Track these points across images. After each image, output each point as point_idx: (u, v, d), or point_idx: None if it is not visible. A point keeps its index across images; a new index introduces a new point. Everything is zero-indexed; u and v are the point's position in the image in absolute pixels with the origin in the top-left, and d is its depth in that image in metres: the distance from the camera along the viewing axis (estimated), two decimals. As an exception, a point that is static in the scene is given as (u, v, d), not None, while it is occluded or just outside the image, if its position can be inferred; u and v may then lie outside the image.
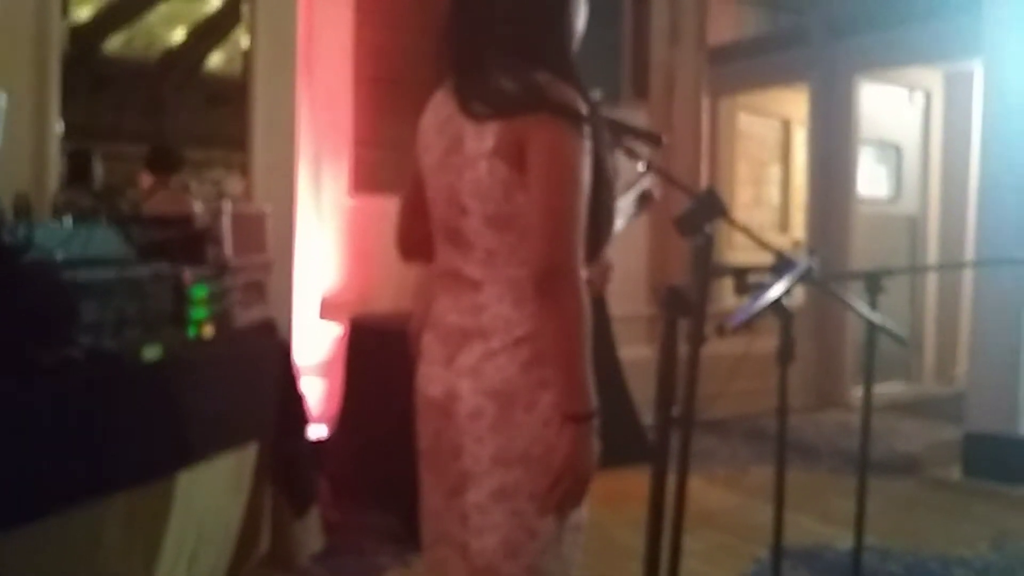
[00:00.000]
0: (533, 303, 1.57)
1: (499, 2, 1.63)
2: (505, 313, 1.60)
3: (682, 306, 1.47)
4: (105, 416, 2.03)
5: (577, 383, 1.53)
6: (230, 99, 4.36)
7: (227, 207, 2.99)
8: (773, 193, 8.07)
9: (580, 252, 1.53)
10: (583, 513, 1.65)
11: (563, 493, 1.55)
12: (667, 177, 2.02)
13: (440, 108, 1.70)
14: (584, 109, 1.56)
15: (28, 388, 1.88)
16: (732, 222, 1.76)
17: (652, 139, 2.06)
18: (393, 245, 1.87)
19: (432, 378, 1.69)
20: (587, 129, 1.54)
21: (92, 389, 2.02)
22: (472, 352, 1.61)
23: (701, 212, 1.46)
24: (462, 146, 1.62)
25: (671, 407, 1.52)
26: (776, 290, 2.02)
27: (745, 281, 2.37)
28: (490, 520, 1.57)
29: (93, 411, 2.00)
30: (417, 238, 1.79)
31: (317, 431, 4.23)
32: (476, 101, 1.59)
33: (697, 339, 1.46)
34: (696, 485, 4.69)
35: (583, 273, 1.54)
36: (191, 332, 2.47)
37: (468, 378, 1.60)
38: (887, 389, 6.98)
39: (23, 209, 2.08)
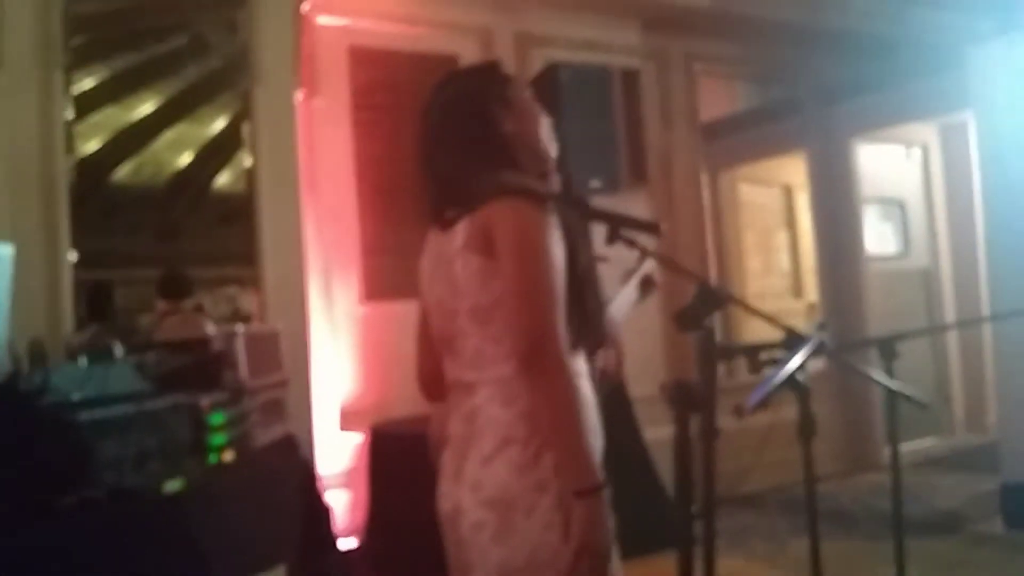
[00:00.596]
0: (520, 401, 1.58)
1: (450, 132, 1.78)
2: (495, 414, 1.62)
3: (691, 402, 1.47)
4: (129, 554, 2.02)
5: (578, 456, 1.54)
6: (240, 216, 4.43)
7: (240, 329, 3.01)
8: (783, 259, 8.09)
9: (561, 329, 1.56)
10: None
11: (584, 573, 1.53)
12: (667, 264, 2.05)
13: (431, 241, 1.82)
14: (544, 191, 1.65)
15: (50, 534, 1.88)
16: (738, 304, 1.78)
17: (651, 228, 2.09)
18: (408, 348, 1.92)
19: (443, 494, 1.72)
20: (550, 205, 1.59)
21: (114, 528, 2.01)
22: (472, 461, 1.64)
23: (700, 306, 1.47)
24: (443, 257, 1.71)
25: (691, 504, 1.51)
26: (788, 369, 2.02)
27: (758, 359, 2.37)
28: None
29: (117, 550, 1.99)
30: (437, 377, 1.83)
31: (346, 542, 4.20)
32: (447, 208, 1.70)
33: (710, 434, 1.47)
34: (736, 565, 4.62)
35: (573, 356, 1.57)
36: (211, 459, 2.47)
37: (469, 490, 1.62)
38: (919, 445, 6.87)
39: (38, 355, 2.11)
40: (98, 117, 4.38)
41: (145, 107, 4.65)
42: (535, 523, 1.56)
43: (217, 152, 4.68)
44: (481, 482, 1.60)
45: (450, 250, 1.67)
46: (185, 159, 4.73)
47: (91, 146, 4.28)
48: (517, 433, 1.59)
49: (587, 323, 1.66)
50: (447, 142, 1.77)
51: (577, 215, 1.76)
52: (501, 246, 1.59)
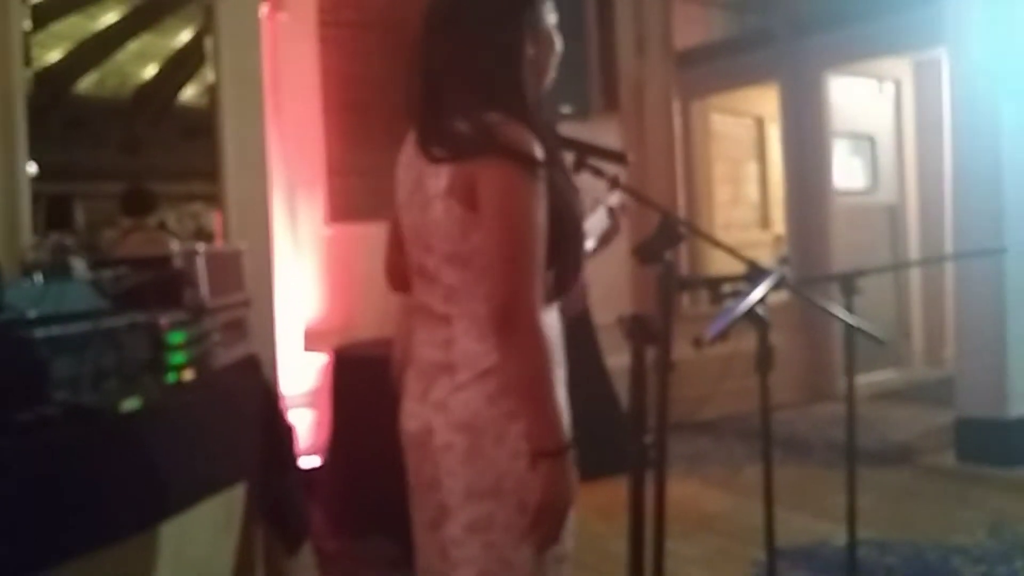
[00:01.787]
0: (495, 337, 1.58)
1: (456, 44, 1.64)
2: (471, 347, 1.61)
3: (648, 335, 1.47)
4: (84, 472, 2.01)
5: (546, 419, 1.54)
6: (205, 132, 4.36)
7: (201, 248, 2.98)
8: (752, 190, 8.11)
9: (538, 293, 1.53)
10: (567, 545, 1.65)
11: (543, 531, 1.55)
12: (633, 194, 2.04)
13: (409, 147, 1.74)
14: (538, 150, 1.56)
15: (5, 449, 1.87)
16: (703, 236, 1.77)
17: (617, 157, 2.08)
18: (373, 271, 1.89)
19: (410, 413, 1.72)
20: (541, 169, 1.54)
21: (70, 446, 2.00)
22: (443, 386, 1.63)
23: (660, 239, 1.46)
24: (423, 185, 1.65)
25: (644, 435, 1.52)
26: (748, 301, 2.03)
27: (720, 291, 2.38)
28: (466, 553, 1.59)
29: (72, 468, 1.98)
30: (403, 270, 1.81)
31: (308, 461, 4.23)
32: (432, 144, 1.62)
33: (665, 367, 1.47)
34: (692, 489, 4.72)
35: (544, 313, 1.55)
36: (170, 378, 2.46)
37: (439, 412, 1.62)
38: (877, 377, 7.00)
39: (-9, 270, 2.08)
40: (60, 26, 4.27)
41: (109, 16, 4.53)
42: (504, 450, 1.57)
43: (182, 65, 4.58)
44: (452, 406, 1.60)
45: (432, 187, 1.62)
46: (149, 71, 4.63)
47: (53, 56, 4.18)
48: (493, 366, 1.59)
49: (567, 275, 1.63)
50: (457, 50, 1.63)
51: (560, 154, 1.70)
52: (484, 208, 1.55)
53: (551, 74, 1.75)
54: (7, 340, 2.00)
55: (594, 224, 2.00)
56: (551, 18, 1.73)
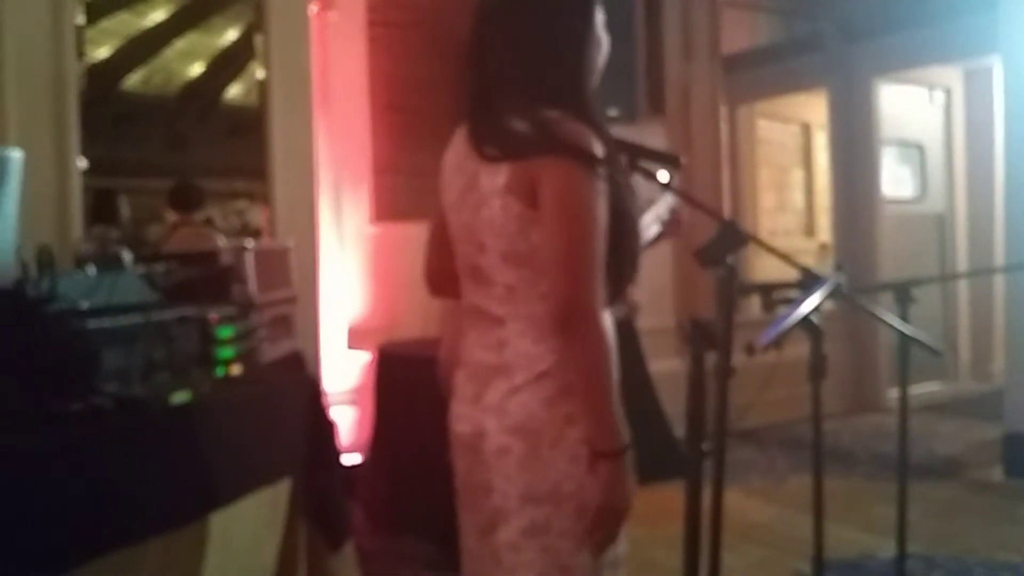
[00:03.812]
0: (554, 338, 1.56)
1: (511, 40, 1.62)
2: (527, 348, 1.60)
3: (708, 340, 1.45)
4: (135, 462, 2.03)
5: (605, 420, 1.52)
6: (251, 129, 4.39)
7: (250, 244, 2.99)
8: (797, 197, 8.03)
9: (599, 291, 1.51)
10: (621, 548, 1.64)
11: (603, 533, 1.54)
12: (687, 199, 2.01)
13: (459, 147, 1.71)
14: (598, 147, 1.54)
15: (57, 439, 1.88)
16: (758, 243, 1.75)
17: (670, 160, 2.04)
18: (417, 271, 1.87)
19: (461, 416, 1.69)
20: (601, 168, 1.52)
21: (121, 436, 2.01)
22: (497, 389, 1.61)
23: (722, 243, 1.44)
24: (477, 184, 1.62)
25: (702, 441, 1.50)
26: (804, 308, 2.00)
27: (772, 298, 2.35)
28: (523, 558, 1.56)
29: (123, 458, 2.00)
30: (445, 274, 1.79)
31: (350, 459, 4.24)
32: (488, 143, 1.59)
33: (725, 374, 1.45)
34: (734, 499, 4.65)
35: (606, 312, 1.53)
36: (219, 372, 2.47)
37: (493, 415, 1.60)
38: (923, 389, 6.89)
39: (46, 261, 2.09)
40: (110, 23, 4.32)
41: (157, 15, 4.58)
42: (561, 453, 1.55)
43: (228, 63, 4.62)
44: (508, 410, 1.58)
45: (488, 185, 1.59)
46: (196, 69, 4.67)
47: (102, 53, 4.23)
48: (550, 368, 1.57)
49: (625, 274, 1.61)
50: (515, 47, 1.61)
51: (623, 166, 1.67)
52: (545, 206, 1.53)
53: (598, 74, 1.73)
54: (61, 330, 2.02)
55: (646, 225, 1.97)
56: (600, 16, 1.71)
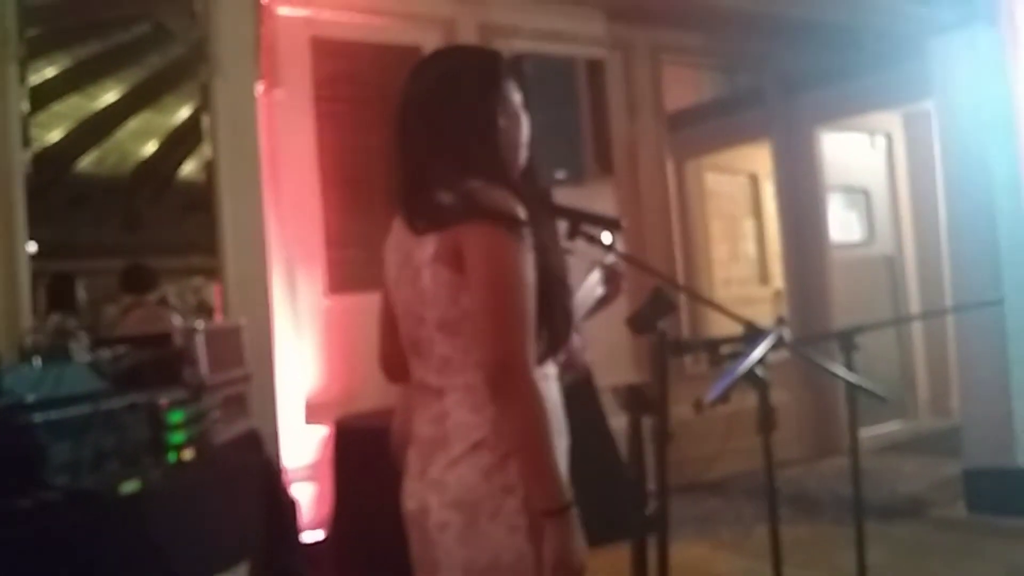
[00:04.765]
0: (491, 407, 1.58)
1: (431, 122, 1.70)
2: (464, 419, 1.62)
3: (643, 405, 1.47)
4: (87, 555, 2.01)
5: (546, 479, 1.54)
6: (206, 206, 4.39)
7: (200, 325, 2.99)
8: (749, 247, 8.14)
9: (530, 351, 1.54)
10: None
11: None
12: (629, 259, 2.05)
13: (397, 227, 1.76)
14: (519, 210, 1.59)
15: (6, 537, 1.86)
16: (700, 300, 1.78)
17: (611, 224, 2.09)
18: (373, 341, 1.89)
19: (409, 492, 1.71)
20: (524, 229, 1.57)
21: (71, 530, 1.99)
22: (437, 463, 1.63)
23: (653, 310, 1.47)
24: (411, 258, 1.67)
25: (645, 506, 1.51)
26: (746, 364, 2.03)
27: (718, 353, 2.38)
28: None
29: (74, 552, 1.98)
30: (397, 358, 1.81)
31: (312, 536, 4.19)
32: (417, 217, 1.65)
33: (663, 437, 1.47)
34: (702, 552, 4.66)
35: (541, 369, 1.56)
36: (171, 458, 2.46)
37: (435, 490, 1.61)
38: (884, 429, 6.97)
39: (-11, 357, 2.09)
40: (60, 107, 4.32)
41: (108, 96, 4.59)
42: (500, 525, 1.56)
43: (182, 141, 4.63)
44: (447, 483, 1.60)
45: (419, 257, 1.64)
46: (149, 148, 4.68)
47: (53, 136, 4.23)
48: (486, 437, 1.59)
49: (558, 333, 1.65)
50: (434, 128, 1.69)
51: (545, 215, 1.73)
52: (472, 269, 1.57)
53: (524, 149, 1.80)
54: (6, 426, 2.01)
55: (590, 286, 2.00)
56: (516, 96, 1.79)
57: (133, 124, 4.58)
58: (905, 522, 4.97)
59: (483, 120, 1.70)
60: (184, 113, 4.66)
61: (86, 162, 4.41)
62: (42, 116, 4.07)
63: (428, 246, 1.62)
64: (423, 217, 1.64)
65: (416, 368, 1.72)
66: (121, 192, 4.52)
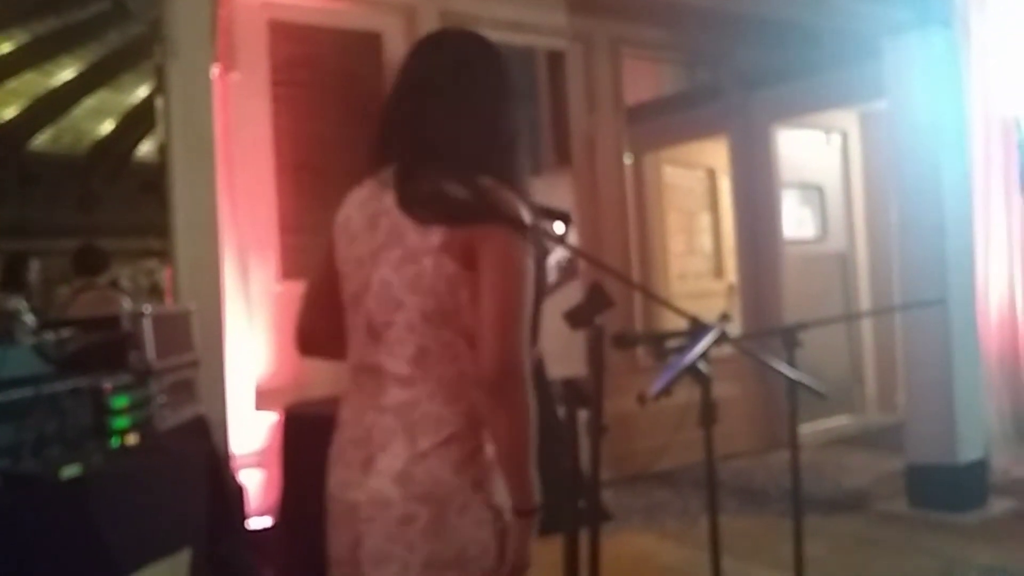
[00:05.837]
0: (463, 401, 1.59)
1: (447, 109, 1.67)
2: (435, 411, 1.60)
3: (580, 399, 1.50)
4: (26, 540, 2.00)
5: (528, 480, 1.58)
6: (162, 187, 4.34)
7: (147, 309, 2.97)
8: (705, 240, 8.22)
9: (527, 353, 1.56)
10: None
11: None
12: (579, 253, 2.08)
13: (368, 203, 1.70)
14: (527, 215, 1.60)
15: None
16: (645, 293, 1.81)
17: (562, 216, 2.11)
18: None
19: (349, 483, 1.65)
20: (530, 236, 1.58)
21: (10, 514, 1.98)
22: (396, 454, 1.59)
23: (590, 306, 1.50)
24: (402, 241, 1.63)
25: (578, 498, 1.55)
26: (689, 358, 2.07)
27: (663, 347, 2.42)
28: None
29: (13, 536, 1.97)
30: (323, 333, 1.79)
31: (260, 522, 4.18)
32: (420, 205, 1.61)
33: (597, 431, 1.50)
34: (649, 542, 4.71)
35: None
36: (113, 443, 2.45)
37: (396, 483, 1.58)
38: (831, 423, 7.10)
39: (-70, 339, 2.07)
40: (16, 83, 4.26)
41: (65, 73, 4.54)
42: (468, 519, 1.57)
43: (139, 120, 4.59)
44: (414, 476, 1.57)
45: (418, 243, 1.60)
46: (106, 127, 4.63)
47: (8, 113, 4.17)
48: (459, 431, 1.59)
49: (536, 331, 1.66)
50: (451, 114, 1.66)
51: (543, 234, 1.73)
52: (487, 272, 1.57)
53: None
54: (-56, 409, 1.99)
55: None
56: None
57: (90, 102, 4.54)
58: (848, 515, 5.07)
59: (501, 113, 1.70)
60: (142, 92, 4.62)
61: (41, 140, 4.36)
62: (-6, 94, 4.01)
63: (433, 236, 1.59)
64: (429, 207, 1.60)
65: (370, 352, 1.67)
66: (76, 171, 4.48)
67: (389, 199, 1.66)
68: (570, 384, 1.50)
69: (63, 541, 2.10)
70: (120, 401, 2.48)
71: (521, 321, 1.55)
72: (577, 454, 1.55)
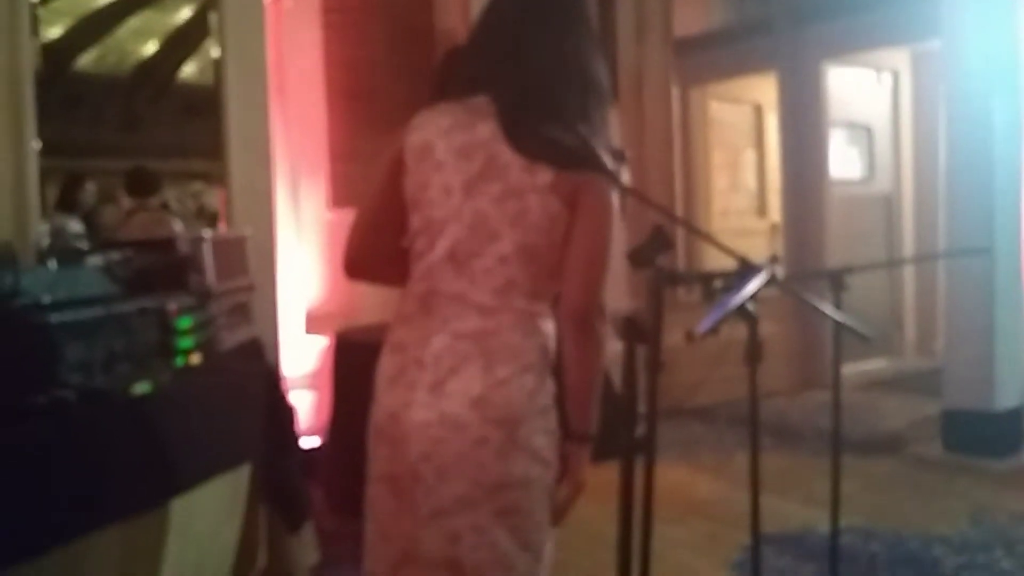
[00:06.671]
0: (539, 335, 1.69)
1: (553, 49, 1.71)
2: (515, 342, 1.67)
3: (639, 335, 1.55)
4: (98, 452, 2.10)
5: (592, 409, 1.73)
6: (206, 109, 4.37)
7: (207, 234, 3.05)
8: (749, 178, 8.17)
9: (606, 294, 1.70)
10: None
11: (570, 507, 1.76)
12: (633, 193, 2.11)
13: (456, 131, 1.71)
14: (613, 167, 1.66)
15: (24, 431, 1.95)
16: (697, 234, 1.85)
17: (617, 155, 2.14)
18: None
19: (414, 403, 1.66)
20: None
21: (85, 427, 2.08)
22: (471, 378, 1.64)
23: (652, 246, 1.55)
24: (503, 175, 1.66)
25: (635, 426, 1.61)
26: (738, 298, 2.10)
27: (711, 286, 2.45)
28: (487, 539, 1.64)
29: (86, 449, 2.06)
30: (375, 256, 1.83)
31: (308, 442, 4.31)
32: (530, 142, 1.66)
33: (655, 367, 1.55)
34: (683, 474, 4.80)
35: None
36: (178, 362, 2.54)
37: (473, 407, 1.63)
38: (869, 366, 7.10)
39: (8, 257, 2.15)
40: (61, 3, 4.28)
41: (110, -8, 4.55)
42: (535, 442, 1.66)
43: (182, 42, 4.60)
44: (491, 401, 1.63)
45: (527, 181, 1.65)
46: (150, 48, 4.65)
47: (53, 32, 4.19)
48: (534, 361, 1.67)
49: None
50: (559, 52, 1.71)
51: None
52: (586, 218, 1.66)
53: None
54: (24, 326, 2.08)
55: None
56: None
57: (134, 23, 4.55)
58: (882, 457, 5.12)
59: (598, 62, 1.78)
60: (186, 13, 4.62)
61: (85, 60, 4.39)
62: (43, 11, 4.03)
63: (542, 175, 1.64)
64: (539, 147, 1.65)
65: (446, 278, 1.69)
66: (120, 91, 4.50)
67: (485, 131, 1.68)
68: (630, 320, 1.56)
69: (134, 453, 2.20)
70: (184, 322, 2.56)
71: (606, 264, 1.68)
72: (635, 387, 1.61)
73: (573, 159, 1.62)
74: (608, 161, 1.65)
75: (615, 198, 1.68)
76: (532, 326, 1.69)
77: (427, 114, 1.77)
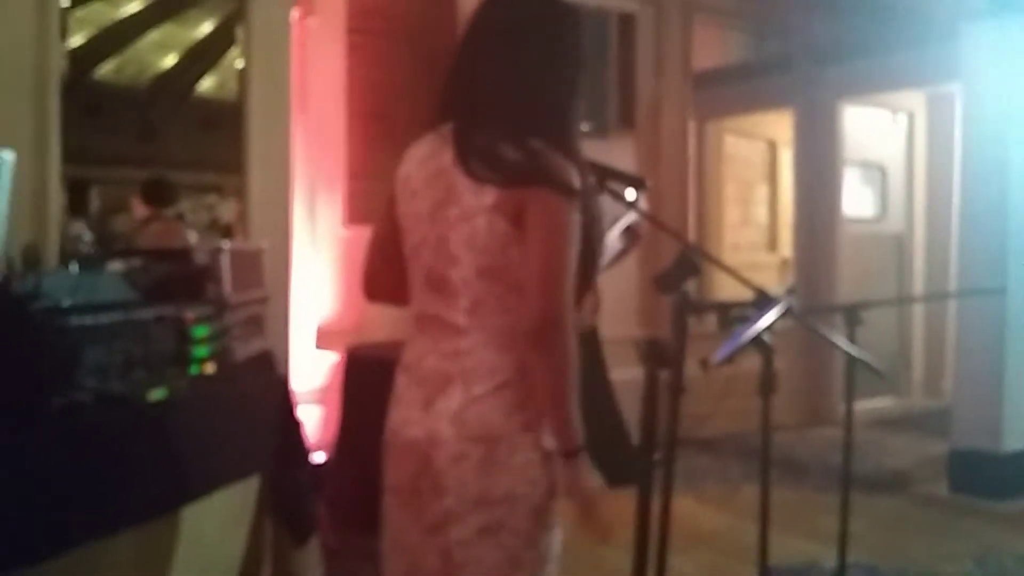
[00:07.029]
0: (515, 351, 1.68)
1: (503, 66, 1.73)
2: (489, 359, 1.69)
3: (661, 359, 1.56)
4: (112, 457, 2.10)
5: (569, 424, 1.66)
6: (223, 123, 4.41)
7: (225, 245, 3.06)
8: (761, 212, 8.18)
9: (571, 304, 1.64)
10: (559, 543, 1.76)
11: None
12: (651, 219, 2.12)
13: (429, 160, 1.76)
14: (576, 180, 1.66)
15: (39, 433, 1.96)
16: (717, 264, 1.86)
17: (636, 183, 2.16)
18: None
19: (410, 421, 1.75)
20: (578, 199, 1.65)
21: (100, 431, 2.09)
22: (453, 397, 1.69)
23: (678, 272, 1.56)
24: (458, 200, 1.69)
25: (654, 452, 1.61)
26: (755, 329, 2.11)
27: (728, 316, 2.46)
28: (475, 554, 1.67)
29: (100, 453, 2.07)
30: (387, 281, 1.88)
31: (315, 457, 4.30)
32: (477, 163, 1.67)
33: (677, 391, 1.56)
34: (688, 505, 4.78)
35: (573, 317, 1.65)
36: (193, 370, 2.54)
37: (451, 424, 1.68)
38: (876, 404, 7.08)
39: (32, 259, 2.16)
40: (84, 12, 4.32)
41: (132, 5, 4.59)
42: (517, 459, 1.66)
43: (202, 55, 4.64)
44: (467, 418, 1.67)
45: (473, 202, 1.67)
46: (169, 61, 4.68)
47: (75, 41, 4.22)
48: (511, 378, 1.68)
49: (586, 286, 1.75)
50: (508, 72, 1.71)
51: (595, 195, 1.78)
52: (532, 231, 1.64)
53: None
54: (44, 327, 2.09)
55: (610, 242, 2.08)
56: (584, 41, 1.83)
57: (154, 35, 4.59)
58: (887, 495, 5.10)
59: (563, 72, 1.74)
60: (206, 28, 4.67)
61: (105, 70, 4.42)
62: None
63: (487, 195, 1.66)
64: (485, 167, 1.66)
65: (431, 303, 1.75)
66: (138, 102, 4.54)
67: (448, 157, 1.72)
68: (653, 345, 1.57)
69: (148, 459, 2.21)
70: (200, 331, 2.57)
71: (564, 278, 1.63)
72: (656, 412, 1.62)
73: (517, 176, 1.64)
74: (572, 174, 1.64)
75: (569, 209, 1.64)
76: (507, 342, 1.69)
77: (413, 145, 1.83)
